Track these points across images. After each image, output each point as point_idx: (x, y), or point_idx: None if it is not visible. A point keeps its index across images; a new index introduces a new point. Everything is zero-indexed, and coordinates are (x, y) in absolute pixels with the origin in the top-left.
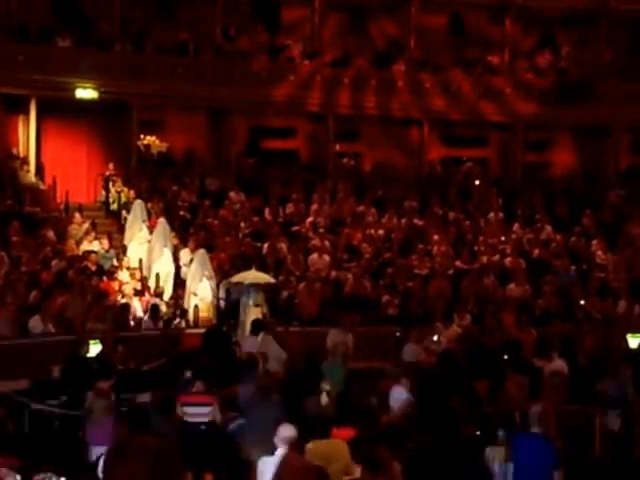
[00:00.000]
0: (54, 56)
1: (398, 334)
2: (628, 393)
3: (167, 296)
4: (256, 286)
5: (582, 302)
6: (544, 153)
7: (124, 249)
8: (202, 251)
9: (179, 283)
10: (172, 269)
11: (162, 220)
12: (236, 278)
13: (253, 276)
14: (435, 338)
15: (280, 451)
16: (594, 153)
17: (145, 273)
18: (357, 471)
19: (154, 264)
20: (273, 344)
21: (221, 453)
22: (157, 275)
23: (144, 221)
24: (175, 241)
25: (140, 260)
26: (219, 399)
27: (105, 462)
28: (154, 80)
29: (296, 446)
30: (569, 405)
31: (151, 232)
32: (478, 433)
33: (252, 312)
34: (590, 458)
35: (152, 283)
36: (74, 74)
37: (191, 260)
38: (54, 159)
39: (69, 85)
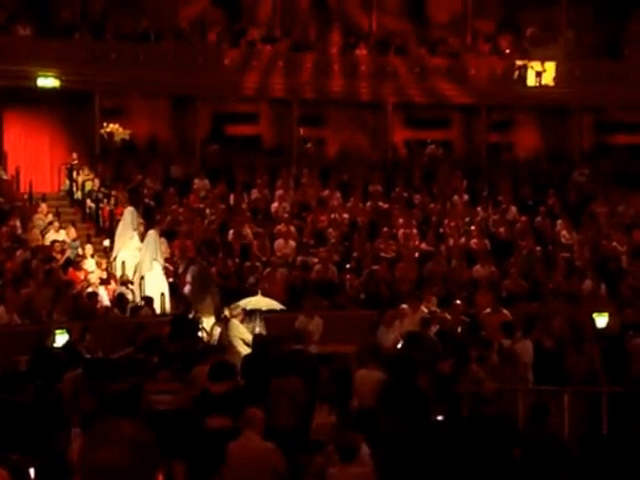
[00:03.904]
0: (15, 45)
1: (376, 319)
2: (595, 372)
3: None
4: (259, 312)
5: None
6: (507, 134)
7: (114, 258)
8: (153, 232)
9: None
10: (164, 283)
11: (152, 232)
12: (243, 303)
13: (255, 301)
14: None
15: (246, 432)
16: (557, 133)
17: (136, 283)
18: None
19: (143, 277)
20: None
21: (190, 440)
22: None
23: (135, 229)
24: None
25: (135, 272)
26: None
27: (80, 450)
28: (116, 68)
29: (262, 427)
30: (536, 384)
31: (142, 240)
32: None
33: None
34: (560, 437)
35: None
36: (35, 63)
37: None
38: (17, 149)
39: (30, 74)
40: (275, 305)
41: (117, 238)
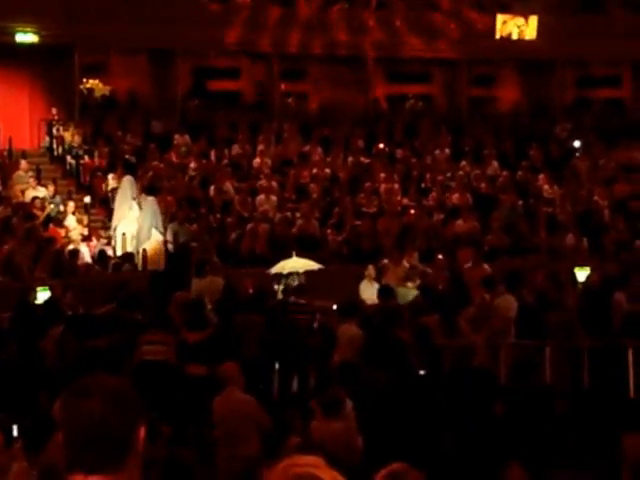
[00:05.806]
0: None
1: None
2: (575, 326)
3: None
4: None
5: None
6: (489, 88)
7: (114, 229)
8: (151, 199)
9: None
10: (161, 249)
11: (151, 199)
12: (279, 267)
13: (292, 264)
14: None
15: (227, 388)
16: (539, 87)
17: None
18: None
19: (141, 246)
20: (221, 285)
21: (176, 394)
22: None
23: (134, 198)
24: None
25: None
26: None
27: (62, 402)
28: (95, 22)
29: (241, 380)
30: (519, 338)
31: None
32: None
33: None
34: (543, 390)
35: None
36: (14, 18)
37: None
38: None
39: (9, 29)
40: (312, 265)
41: (116, 209)
